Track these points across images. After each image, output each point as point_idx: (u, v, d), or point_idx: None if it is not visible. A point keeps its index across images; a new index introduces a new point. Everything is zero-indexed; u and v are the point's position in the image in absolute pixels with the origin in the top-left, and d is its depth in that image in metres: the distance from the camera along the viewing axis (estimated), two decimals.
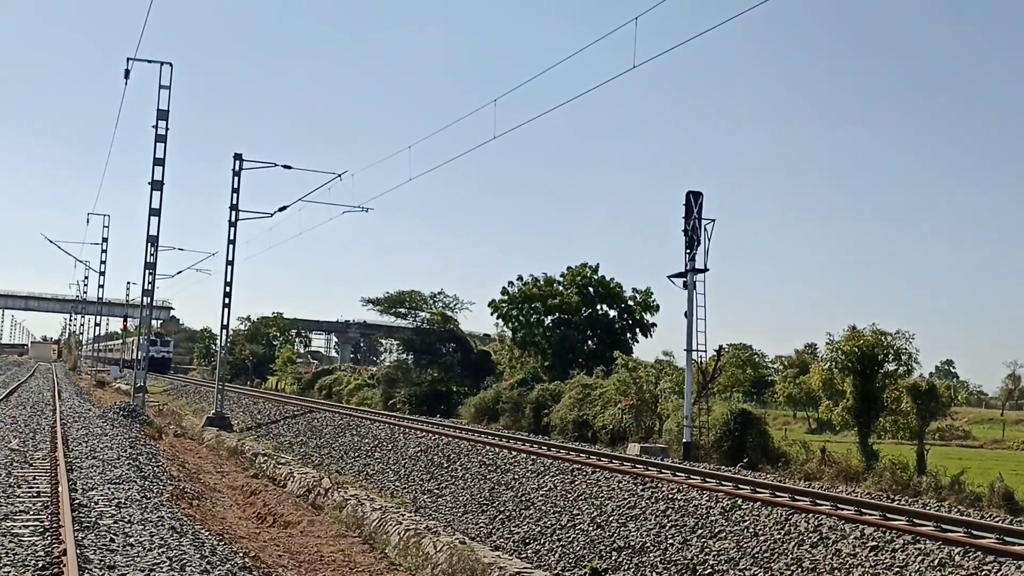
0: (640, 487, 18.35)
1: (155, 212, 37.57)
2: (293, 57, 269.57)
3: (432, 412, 44.56)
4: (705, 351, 29.06)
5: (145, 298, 40.44)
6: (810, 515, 14.71)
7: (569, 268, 50.76)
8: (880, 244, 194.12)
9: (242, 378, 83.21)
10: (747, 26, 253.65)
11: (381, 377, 59.94)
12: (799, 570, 13.13)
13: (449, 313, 58.07)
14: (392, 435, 30.75)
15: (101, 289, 76.93)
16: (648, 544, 15.41)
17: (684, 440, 27.52)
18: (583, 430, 35.02)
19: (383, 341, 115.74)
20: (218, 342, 51.90)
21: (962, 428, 50.66)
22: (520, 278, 51.25)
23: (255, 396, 55.85)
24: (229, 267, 39.10)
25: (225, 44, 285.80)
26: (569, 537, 16.85)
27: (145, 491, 15.43)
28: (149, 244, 38.31)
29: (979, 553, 12.01)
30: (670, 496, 17.38)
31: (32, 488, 15.00)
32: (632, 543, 15.66)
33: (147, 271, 38.74)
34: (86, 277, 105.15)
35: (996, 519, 15.21)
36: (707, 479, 18.55)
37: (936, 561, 12.12)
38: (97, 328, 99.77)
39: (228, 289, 39.18)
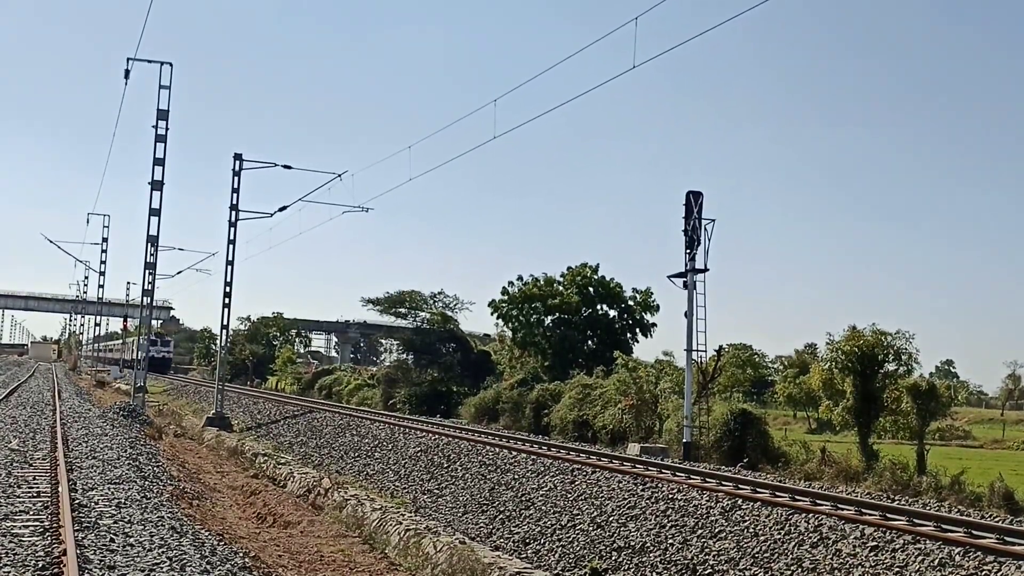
0: (640, 487, 18.34)
1: (155, 212, 37.60)
2: (293, 57, 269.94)
3: (432, 412, 44.56)
4: (705, 351, 29.10)
5: (145, 298, 40.47)
6: (810, 515, 14.71)
7: (569, 268, 50.82)
8: (880, 244, 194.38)
9: (242, 378, 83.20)
10: (747, 26, 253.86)
11: (381, 377, 59.94)
12: (799, 570, 13.13)
13: (449, 313, 58.11)
14: (392, 435, 30.75)
15: (101, 289, 77.08)
16: (648, 544, 15.41)
17: (684, 440, 27.52)
18: (583, 430, 35.01)
19: (383, 341, 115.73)
20: (218, 342, 51.92)
21: (962, 428, 50.67)
22: (520, 278, 51.32)
23: (255, 396, 55.85)
24: (229, 267, 39.13)
25: (225, 44, 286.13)
26: (569, 537, 16.85)
27: (145, 491, 15.43)
28: (149, 244, 38.35)
29: (979, 553, 12.01)
30: (670, 496, 17.38)
31: (32, 488, 15.00)
32: (632, 543, 15.66)
33: (147, 271, 38.78)
34: (86, 277, 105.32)
35: (996, 519, 15.21)
36: (707, 479, 18.55)
37: (936, 561, 12.12)
38: (97, 328, 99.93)
39: (228, 289, 39.21)
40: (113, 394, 54.65)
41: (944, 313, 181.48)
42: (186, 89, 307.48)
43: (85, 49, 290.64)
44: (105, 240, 74.29)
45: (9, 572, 9.41)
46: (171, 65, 37.07)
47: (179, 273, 68.71)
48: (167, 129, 37.07)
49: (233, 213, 38.80)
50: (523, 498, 19.83)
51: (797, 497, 16.15)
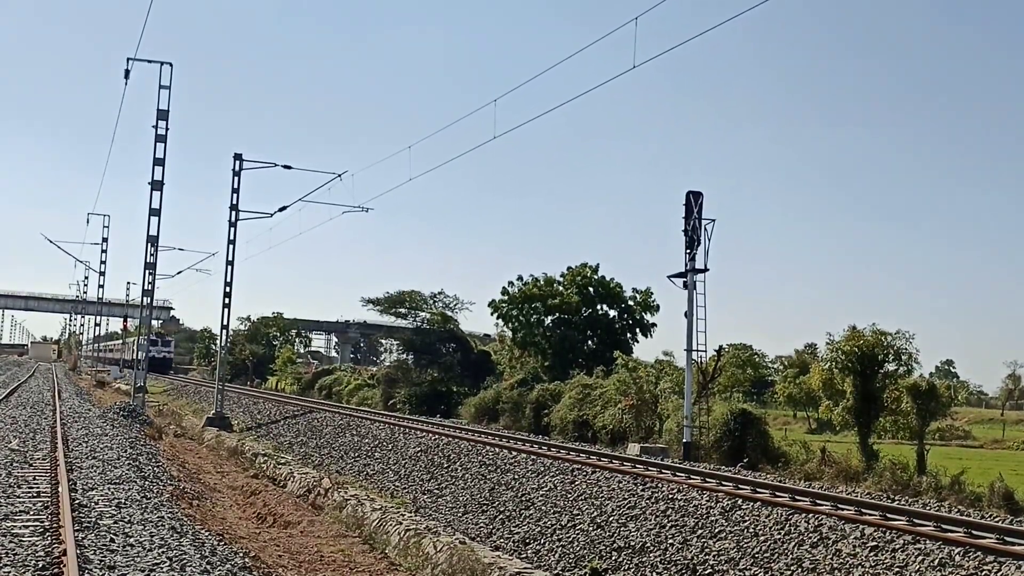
0: (640, 487, 18.35)
1: (155, 212, 37.61)
2: (293, 57, 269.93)
3: (432, 412, 44.56)
4: (705, 351, 29.10)
5: (145, 298, 40.47)
6: (810, 515, 14.71)
7: (569, 268, 50.80)
8: (880, 244, 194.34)
9: (242, 378, 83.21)
10: (747, 26, 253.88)
11: (381, 377, 59.93)
12: (799, 570, 13.13)
13: (449, 313, 58.11)
14: (392, 435, 30.75)
15: (101, 289, 77.09)
16: (648, 544, 15.41)
17: (684, 440, 27.52)
18: (583, 430, 35.01)
19: (383, 341, 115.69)
20: (218, 342, 51.92)
21: (962, 428, 50.67)
22: (520, 278, 51.31)
23: (255, 396, 55.85)
24: (229, 267, 39.14)
25: (225, 44, 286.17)
26: (569, 537, 16.85)
27: (145, 491, 15.44)
28: (149, 244, 38.36)
29: (979, 553, 12.01)
30: (670, 496, 17.38)
31: (32, 488, 15.00)
32: (632, 543, 15.66)
33: (147, 271, 38.78)
34: (86, 277, 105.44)
35: (996, 519, 15.21)
36: (707, 479, 18.55)
37: (936, 561, 12.12)
38: (97, 328, 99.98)
39: (228, 289, 39.23)
40: (113, 394, 54.66)
41: (944, 313, 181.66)
42: (186, 89, 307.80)
43: (85, 49, 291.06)
44: (105, 240, 74.44)
45: (9, 572, 9.42)
46: (171, 65, 37.13)
47: (179, 273, 68.96)
48: (167, 129, 37.14)
49: (233, 213, 38.83)
50: (523, 498, 19.83)
51: (797, 497, 16.15)
